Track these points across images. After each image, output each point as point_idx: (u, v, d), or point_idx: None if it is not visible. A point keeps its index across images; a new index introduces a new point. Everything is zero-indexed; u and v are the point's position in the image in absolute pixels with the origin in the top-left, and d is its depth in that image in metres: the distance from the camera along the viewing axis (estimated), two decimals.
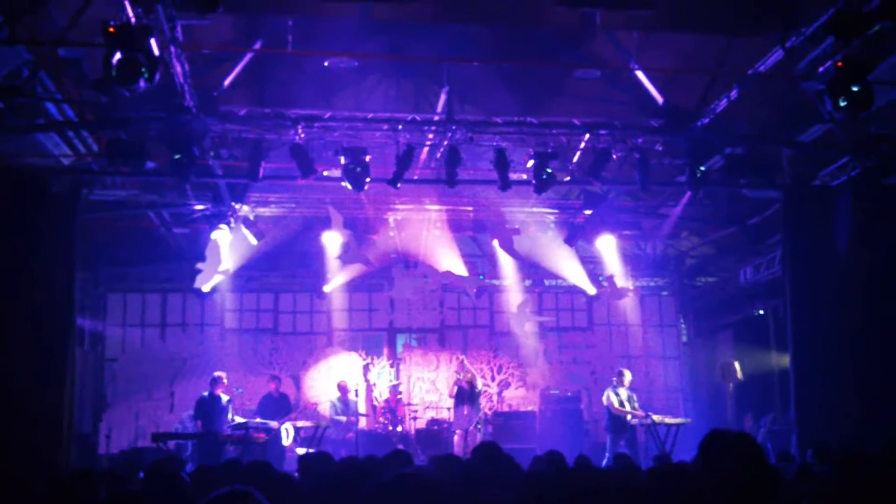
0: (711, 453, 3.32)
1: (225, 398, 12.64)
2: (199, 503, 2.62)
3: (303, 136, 10.84)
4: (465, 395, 13.67)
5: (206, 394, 12.68)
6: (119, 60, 7.53)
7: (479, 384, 14.76)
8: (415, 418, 15.31)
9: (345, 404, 13.99)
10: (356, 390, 14.32)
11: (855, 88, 8.22)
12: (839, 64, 8.24)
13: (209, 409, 12.46)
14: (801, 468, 7.23)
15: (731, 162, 11.23)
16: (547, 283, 17.58)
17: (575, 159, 12.29)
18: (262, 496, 2.65)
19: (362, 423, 14.36)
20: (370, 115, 11.12)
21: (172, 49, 8.60)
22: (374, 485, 2.72)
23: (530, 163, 11.25)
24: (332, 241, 14.87)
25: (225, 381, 12.85)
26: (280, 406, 13.60)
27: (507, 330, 17.09)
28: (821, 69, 8.63)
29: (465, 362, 14.32)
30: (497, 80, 11.26)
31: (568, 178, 12.89)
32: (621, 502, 3.95)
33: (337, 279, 15.95)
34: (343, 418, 13.74)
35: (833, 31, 7.91)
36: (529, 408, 16.19)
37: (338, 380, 14.68)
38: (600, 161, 11.29)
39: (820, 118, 10.50)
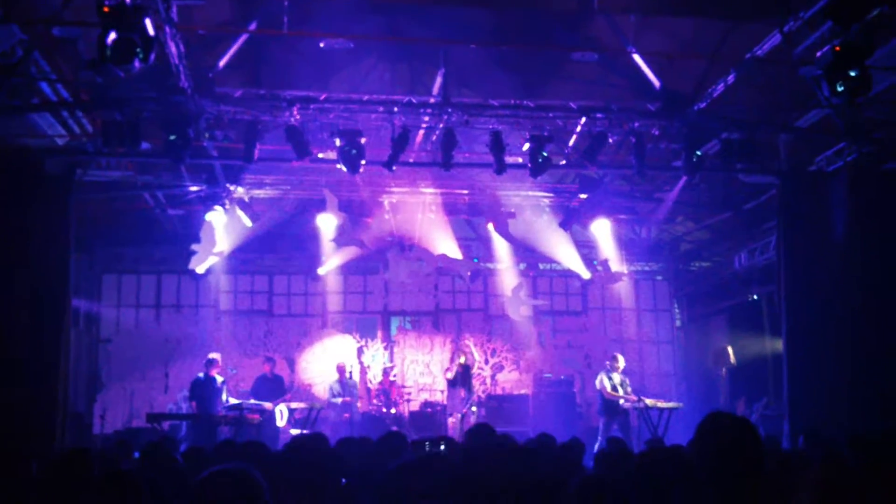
0: (708, 434, 3.34)
1: (219, 379, 12.68)
2: (195, 480, 2.59)
3: (298, 117, 10.80)
4: (461, 378, 13.71)
5: (201, 375, 12.71)
6: (114, 40, 7.46)
7: (475, 368, 14.83)
8: (408, 401, 15.35)
9: (342, 385, 14.05)
10: (350, 372, 14.38)
11: (853, 73, 8.21)
12: (837, 49, 8.22)
13: (204, 390, 12.50)
14: (791, 453, 7.28)
15: (728, 147, 11.21)
16: (541, 266, 17.62)
17: (571, 143, 12.29)
18: (256, 473, 2.65)
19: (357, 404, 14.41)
20: (366, 97, 11.07)
21: (167, 29, 8.54)
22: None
23: (526, 146, 11.24)
24: (327, 223, 14.87)
25: (220, 362, 12.88)
26: (274, 387, 13.63)
27: (502, 313, 17.12)
28: (819, 54, 8.61)
29: (472, 345, 14.35)
30: (494, 62, 11.23)
31: (564, 162, 12.88)
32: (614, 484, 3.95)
33: (332, 261, 15.95)
34: (339, 400, 13.79)
35: (831, 15, 7.86)
36: (523, 391, 16.25)
37: (335, 361, 14.72)
38: (596, 145, 11.28)
39: (817, 103, 10.50)
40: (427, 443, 7.79)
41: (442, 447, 9.31)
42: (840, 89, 8.30)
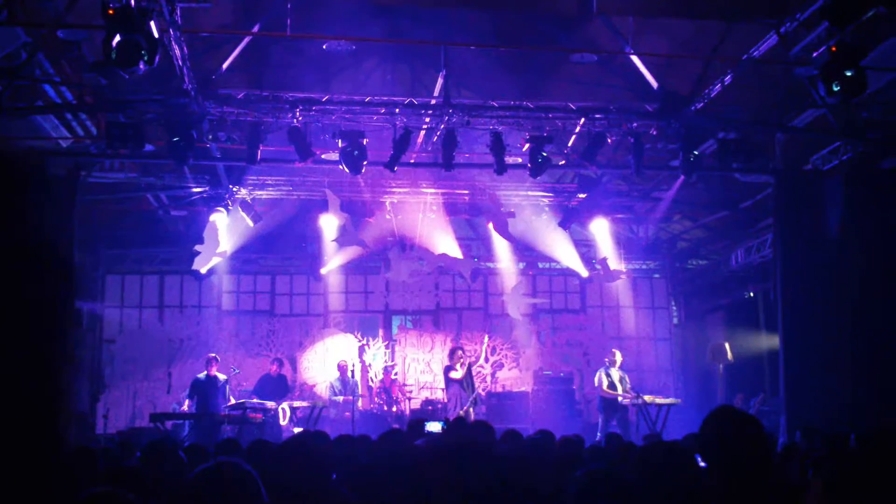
0: (715, 430, 3.39)
1: (221, 377, 12.77)
2: (188, 477, 2.62)
3: (300, 119, 10.88)
4: (465, 377, 13.72)
5: (202, 375, 12.82)
6: (119, 43, 7.55)
7: (476, 366, 14.92)
8: (409, 398, 15.46)
9: (343, 384, 14.14)
10: (352, 370, 14.48)
11: (848, 73, 8.33)
12: (833, 49, 8.34)
13: (204, 389, 12.61)
14: (788, 448, 7.39)
15: (724, 146, 11.33)
16: (541, 265, 17.74)
17: (570, 143, 12.39)
18: (248, 466, 2.66)
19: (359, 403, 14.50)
20: (368, 99, 11.16)
21: (171, 32, 8.62)
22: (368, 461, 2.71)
23: (526, 146, 11.34)
24: (329, 223, 14.96)
25: (218, 360, 13.03)
26: (277, 386, 13.72)
27: (502, 312, 17.23)
28: (815, 54, 8.72)
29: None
30: (494, 64, 11.31)
31: (563, 162, 13.00)
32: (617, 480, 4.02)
33: (333, 261, 16.05)
34: (340, 398, 13.87)
35: (827, 16, 7.98)
36: (523, 388, 16.35)
37: (336, 360, 14.82)
38: (595, 145, 11.38)
39: (812, 103, 10.60)
40: (426, 423, 7.89)
41: (438, 428, 9.41)
42: (836, 89, 8.41)
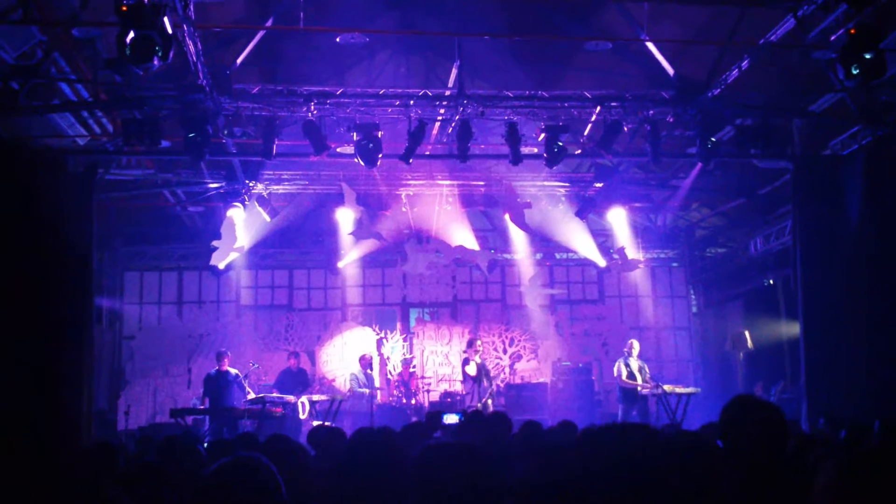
0: (736, 419, 3.36)
1: (233, 372, 12.77)
2: (207, 472, 2.60)
3: (315, 112, 10.87)
4: (482, 371, 13.69)
5: (213, 371, 12.85)
6: (133, 39, 7.55)
7: (493, 359, 14.91)
8: (428, 391, 15.46)
9: (368, 377, 14.16)
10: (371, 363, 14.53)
11: (867, 56, 8.23)
12: (852, 32, 8.24)
13: (216, 385, 12.60)
14: (811, 436, 7.32)
15: (742, 133, 11.23)
16: (558, 256, 17.67)
17: (586, 132, 12.32)
18: (268, 461, 2.63)
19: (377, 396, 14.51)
20: (382, 91, 11.13)
21: (185, 27, 8.61)
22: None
23: (541, 136, 11.27)
24: (346, 217, 14.98)
25: (229, 355, 13.03)
26: (298, 380, 13.75)
27: (519, 303, 17.21)
28: (833, 37, 8.62)
29: (478, 343, 14.46)
30: (508, 53, 11.27)
31: (579, 151, 12.93)
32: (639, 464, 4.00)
33: (350, 255, 16.06)
34: (366, 391, 13.86)
35: None
36: (541, 380, 16.32)
37: (360, 353, 14.80)
38: (611, 133, 11.29)
39: (830, 87, 10.49)
40: (444, 415, 7.87)
41: (456, 420, 9.38)
42: (855, 72, 8.32)
